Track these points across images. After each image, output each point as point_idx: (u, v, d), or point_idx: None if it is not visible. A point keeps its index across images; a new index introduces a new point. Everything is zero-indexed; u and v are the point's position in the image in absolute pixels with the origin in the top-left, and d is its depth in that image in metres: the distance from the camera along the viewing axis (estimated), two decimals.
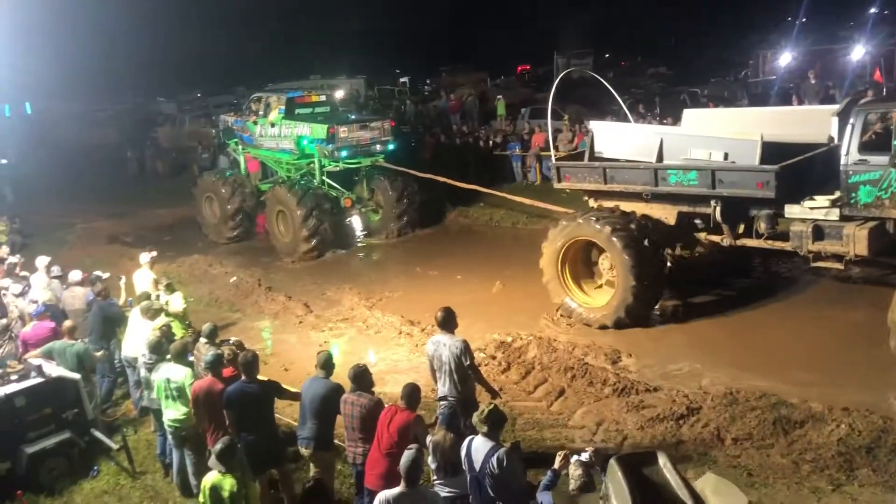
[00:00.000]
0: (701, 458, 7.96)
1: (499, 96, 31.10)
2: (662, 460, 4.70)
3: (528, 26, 53.47)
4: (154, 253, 12.70)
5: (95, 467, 8.94)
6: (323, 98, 20.37)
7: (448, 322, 7.84)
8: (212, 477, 6.13)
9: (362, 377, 7.04)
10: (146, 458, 9.08)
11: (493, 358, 10.90)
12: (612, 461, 4.70)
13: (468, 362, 7.65)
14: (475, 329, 12.15)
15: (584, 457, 5.62)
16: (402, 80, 48.17)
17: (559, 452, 5.82)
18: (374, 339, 12.38)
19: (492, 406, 6.11)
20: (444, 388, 7.75)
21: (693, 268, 12.80)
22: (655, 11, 52.62)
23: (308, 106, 19.36)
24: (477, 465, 5.88)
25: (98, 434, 9.09)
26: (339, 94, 41.59)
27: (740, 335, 11.04)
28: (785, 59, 30.09)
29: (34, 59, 34.72)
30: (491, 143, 23.68)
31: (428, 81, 48.33)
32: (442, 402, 7.80)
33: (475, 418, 6.01)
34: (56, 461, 8.75)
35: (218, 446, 6.18)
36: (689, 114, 13.59)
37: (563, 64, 41.77)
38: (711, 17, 52.07)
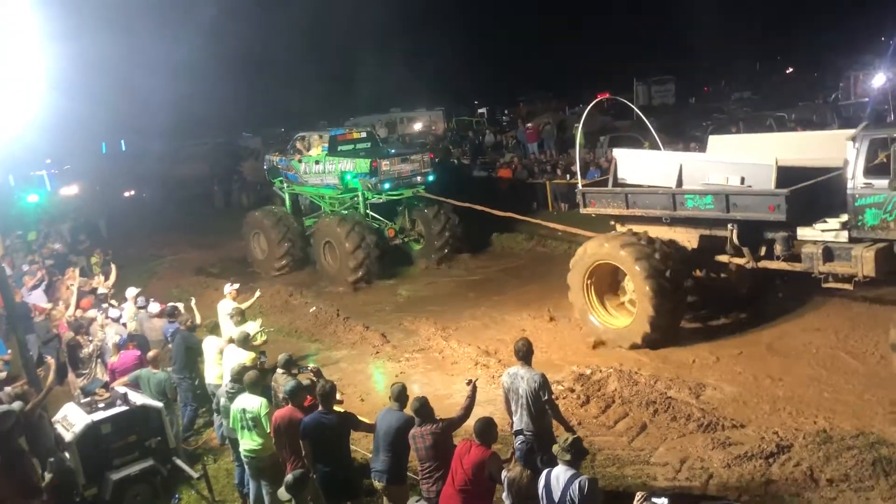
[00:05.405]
0: (793, 499, 7.53)
1: (576, 124, 30.88)
2: None
3: (608, 53, 53.13)
4: (237, 285, 12.96)
5: (176, 495, 9.10)
6: (364, 134, 21.15)
7: (528, 354, 7.72)
8: None
9: (423, 409, 6.98)
10: (225, 488, 9.19)
11: (572, 391, 10.63)
12: None
13: (546, 397, 7.48)
14: (553, 360, 12.00)
15: (664, 501, 5.42)
16: (480, 110, 48.57)
17: (638, 494, 5.64)
18: (451, 369, 12.28)
19: (576, 436, 6.08)
20: (519, 421, 7.58)
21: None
22: (738, 34, 51.53)
23: (350, 142, 20.23)
24: (556, 495, 5.74)
25: (180, 462, 9.25)
26: (418, 126, 42.30)
27: (832, 368, 10.48)
28: (879, 80, 28.87)
29: (128, 98, 36.52)
30: (569, 172, 23.46)
31: (506, 111, 48.58)
32: (518, 437, 7.63)
33: (557, 447, 5.95)
34: (139, 488, 8.91)
35: (289, 477, 6.21)
36: (714, 140, 13.98)
37: (644, 90, 41.39)
38: (798, 38, 50.77)
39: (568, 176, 23.38)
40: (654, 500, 5.46)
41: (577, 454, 5.90)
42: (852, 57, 35.66)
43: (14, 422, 7.13)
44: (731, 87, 45.51)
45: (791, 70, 52.39)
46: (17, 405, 7.38)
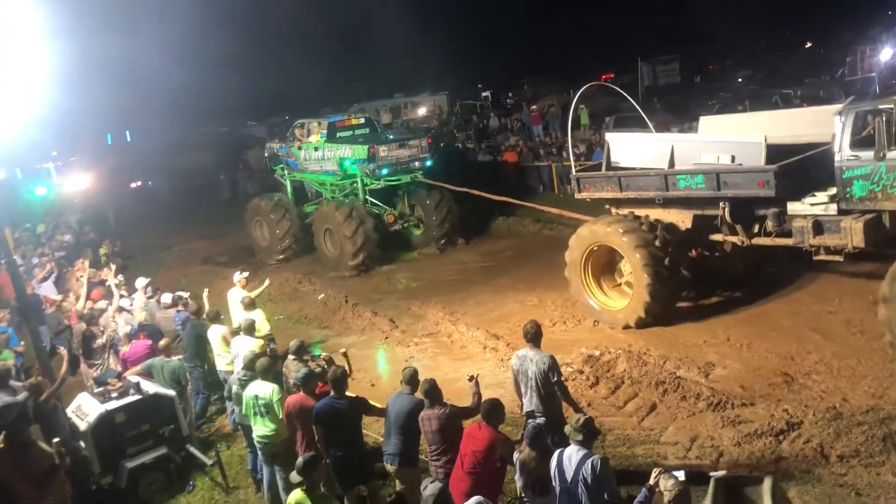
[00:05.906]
0: (804, 475, 7.53)
1: (582, 105, 30.72)
2: (768, 484, 4.41)
3: (612, 34, 52.71)
4: (246, 273, 13.01)
5: (191, 482, 9.19)
6: (362, 121, 21.13)
7: (536, 336, 7.73)
8: (296, 494, 6.17)
9: (431, 391, 7.03)
10: (238, 474, 9.27)
11: (581, 372, 10.67)
12: (712, 481, 4.44)
13: (556, 378, 7.50)
14: (561, 341, 12.02)
15: (681, 475, 5.44)
16: (484, 94, 48.32)
17: (654, 469, 5.66)
18: (460, 353, 12.33)
19: (587, 416, 6.09)
20: (529, 403, 7.61)
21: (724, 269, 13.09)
22: (743, 11, 51.10)
23: (348, 129, 20.22)
24: (569, 475, 5.77)
25: (193, 450, 9.34)
26: (422, 111, 42.14)
27: (839, 345, 10.46)
28: (886, 54, 28.63)
29: (132, 89, 36.54)
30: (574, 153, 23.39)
31: (510, 94, 48.32)
32: (529, 420, 7.66)
33: (569, 427, 5.96)
34: (154, 476, 9.04)
35: (299, 461, 6.25)
36: (704, 120, 14.09)
37: (648, 70, 41.05)
38: (805, 14, 50.21)
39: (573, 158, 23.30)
40: (673, 473, 5.49)
41: (590, 434, 5.93)
42: (859, 31, 35.30)
43: (17, 414, 7.17)
44: (737, 66, 45.15)
45: (809, 45, 51.79)
46: (21, 396, 7.42)
